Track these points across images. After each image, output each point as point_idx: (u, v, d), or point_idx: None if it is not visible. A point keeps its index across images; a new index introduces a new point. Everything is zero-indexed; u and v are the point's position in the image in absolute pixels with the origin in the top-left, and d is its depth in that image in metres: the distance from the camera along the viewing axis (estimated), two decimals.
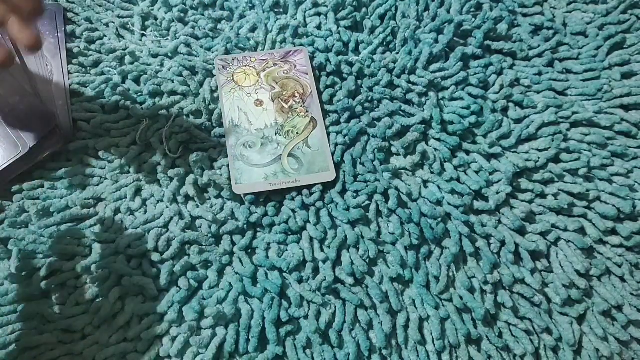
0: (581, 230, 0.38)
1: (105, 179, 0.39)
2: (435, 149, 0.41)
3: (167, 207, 0.37)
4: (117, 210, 0.37)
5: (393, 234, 0.37)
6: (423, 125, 0.41)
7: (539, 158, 0.40)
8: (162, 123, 0.40)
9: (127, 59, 0.43)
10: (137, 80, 0.42)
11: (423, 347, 0.34)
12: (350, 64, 0.43)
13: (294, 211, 0.38)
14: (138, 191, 0.38)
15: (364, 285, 0.36)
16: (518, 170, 0.39)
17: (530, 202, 0.39)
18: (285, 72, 0.43)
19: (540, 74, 0.44)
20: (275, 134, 0.40)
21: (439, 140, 0.41)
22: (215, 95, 0.42)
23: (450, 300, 0.36)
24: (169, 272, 0.35)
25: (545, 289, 0.36)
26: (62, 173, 0.38)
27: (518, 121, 0.42)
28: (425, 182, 0.40)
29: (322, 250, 0.37)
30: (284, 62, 0.44)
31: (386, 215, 0.38)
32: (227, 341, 0.33)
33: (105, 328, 0.33)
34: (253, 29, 0.46)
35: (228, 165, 0.39)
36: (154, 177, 0.39)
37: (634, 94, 0.42)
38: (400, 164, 0.40)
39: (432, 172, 0.40)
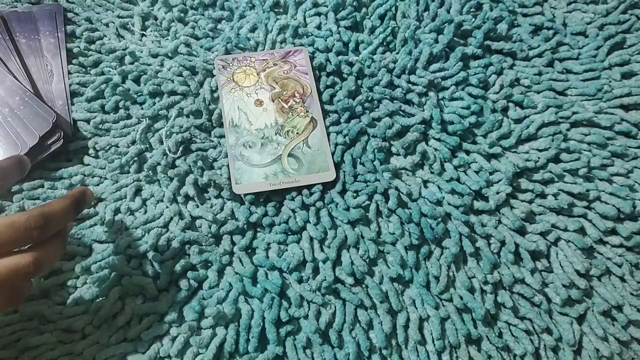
0: (581, 230, 0.38)
1: (105, 179, 0.39)
2: (435, 149, 0.41)
3: (167, 207, 0.37)
4: (117, 210, 0.37)
5: (393, 234, 0.37)
6: (423, 125, 0.41)
7: (539, 158, 0.40)
8: (162, 123, 0.40)
9: (127, 59, 0.43)
10: (137, 80, 0.42)
11: (423, 347, 0.34)
12: (350, 64, 0.43)
13: (294, 211, 0.38)
14: (138, 191, 0.38)
15: (364, 285, 0.36)
16: (518, 170, 0.39)
17: (530, 202, 0.39)
18: (285, 72, 0.43)
19: (540, 74, 0.44)
20: (275, 134, 0.40)
21: (439, 140, 0.41)
22: (215, 95, 0.42)
23: (450, 300, 0.36)
24: (169, 272, 0.35)
25: (545, 289, 0.36)
26: (62, 173, 0.38)
27: (518, 121, 0.42)
28: (425, 182, 0.40)
29: (322, 250, 0.37)
30: (284, 62, 0.44)
31: (386, 215, 0.38)
32: (227, 341, 0.33)
33: (105, 328, 0.33)
34: (253, 29, 0.46)
35: (228, 165, 0.39)
36: (154, 177, 0.39)
37: (634, 94, 0.42)
38: (400, 164, 0.40)
39: (432, 172, 0.40)
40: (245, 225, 0.37)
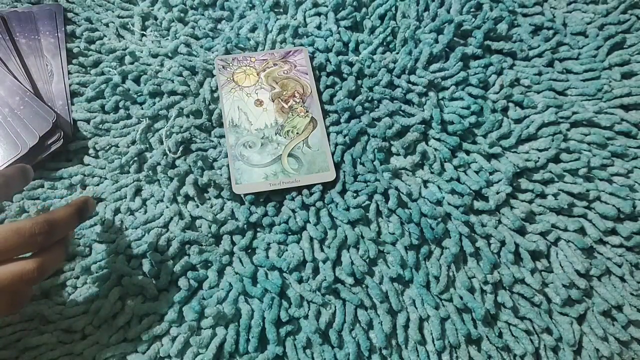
0: (581, 230, 0.38)
1: (105, 179, 0.39)
2: (435, 149, 0.41)
3: (167, 207, 0.37)
4: (117, 210, 0.37)
5: (393, 234, 0.37)
6: (423, 125, 0.41)
7: (539, 158, 0.40)
8: (162, 123, 0.40)
9: (127, 59, 0.43)
10: (137, 80, 0.42)
11: (423, 347, 0.34)
12: (350, 64, 0.43)
13: (294, 211, 0.38)
14: (138, 191, 0.38)
15: (364, 285, 0.36)
16: (518, 170, 0.39)
17: (530, 202, 0.39)
18: (285, 72, 0.43)
19: (540, 74, 0.44)
20: (275, 134, 0.40)
21: (439, 140, 0.41)
22: (215, 95, 0.42)
23: (450, 300, 0.36)
24: (169, 272, 0.35)
25: (545, 289, 0.36)
26: (62, 173, 0.38)
27: (518, 121, 0.42)
28: (425, 182, 0.40)
29: (322, 250, 0.37)
30: (284, 62, 0.44)
31: (386, 215, 0.38)
32: (227, 341, 0.33)
33: (105, 328, 0.33)
34: (253, 29, 0.46)
35: (228, 165, 0.39)
36: (154, 177, 0.39)
37: (634, 94, 0.42)
38: (400, 164, 0.40)
39: (432, 172, 0.40)
40: (245, 225, 0.37)
